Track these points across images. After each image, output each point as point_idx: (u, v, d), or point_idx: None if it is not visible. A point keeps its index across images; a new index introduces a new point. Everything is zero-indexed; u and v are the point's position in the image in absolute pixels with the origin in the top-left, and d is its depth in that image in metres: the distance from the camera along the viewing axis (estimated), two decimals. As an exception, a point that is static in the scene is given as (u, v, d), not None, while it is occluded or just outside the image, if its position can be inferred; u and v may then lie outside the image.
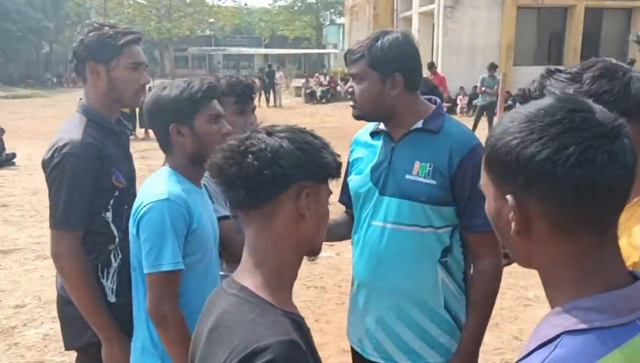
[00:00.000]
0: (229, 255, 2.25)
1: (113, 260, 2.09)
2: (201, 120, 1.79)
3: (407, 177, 1.88)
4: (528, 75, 19.07)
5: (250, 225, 1.11)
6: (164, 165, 1.88)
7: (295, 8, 49.95)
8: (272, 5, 53.42)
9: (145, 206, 1.71)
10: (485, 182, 0.88)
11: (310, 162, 1.09)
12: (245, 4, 53.44)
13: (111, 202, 2.06)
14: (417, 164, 1.88)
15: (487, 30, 19.62)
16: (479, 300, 1.91)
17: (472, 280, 1.95)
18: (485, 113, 13.67)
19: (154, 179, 1.82)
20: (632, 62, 16.49)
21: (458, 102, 18.68)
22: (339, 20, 50.35)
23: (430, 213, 1.87)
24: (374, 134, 2.02)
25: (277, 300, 1.07)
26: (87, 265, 2.01)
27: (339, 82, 27.17)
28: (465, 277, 1.98)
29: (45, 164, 2.01)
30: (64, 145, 1.96)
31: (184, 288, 1.76)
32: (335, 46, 48.17)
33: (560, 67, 1.39)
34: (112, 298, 2.09)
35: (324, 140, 1.15)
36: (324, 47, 49.67)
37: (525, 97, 17.02)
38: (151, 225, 1.69)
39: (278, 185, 1.07)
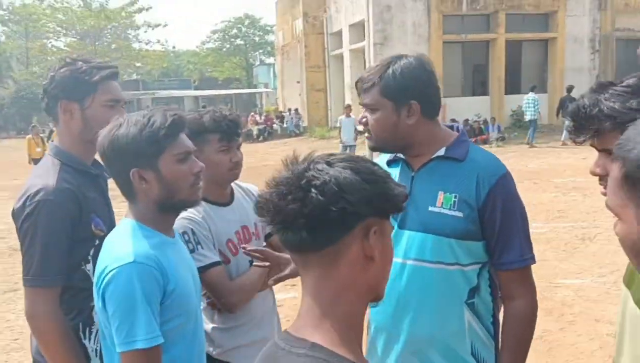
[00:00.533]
0: (223, 304, 2.11)
1: (95, 318, 1.86)
2: (167, 161, 1.53)
3: (431, 209, 1.73)
4: (457, 105, 20.01)
5: (309, 270, 0.97)
6: (126, 216, 1.62)
7: (224, 50, 49.98)
8: (200, 48, 53.22)
9: (109, 273, 1.46)
10: (621, 202, 0.80)
11: (378, 195, 0.95)
12: (174, 47, 52.78)
13: (91, 253, 1.86)
14: (441, 195, 1.73)
15: (416, 64, 20.26)
16: (513, 346, 1.75)
17: (503, 323, 1.79)
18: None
19: (116, 236, 1.57)
20: (570, 89, 17.42)
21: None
22: (268, 60, 50.80)
23: (456, 248, 1.71)
24: (391, 162, 1.90)
25: (356, 357, 0.94)
26: (67, 325, 1.80)
27: (274, 119, 27.26)
28: (494, 321, 1.83)
29: (15, 214, 1.81)
30: (37, 192, 1.78)
31: (169, 359, 1.53)
32: (266, 85, 48.46)
33: (612, 81, 1.34)
34: (95, 361, 1.88)
35: (386, 171, 1.02)
36: (255, 86, 49.81)
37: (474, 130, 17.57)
38: (118, 296, 1.44)
39: (345, 224, 0.93)
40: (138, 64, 45.00)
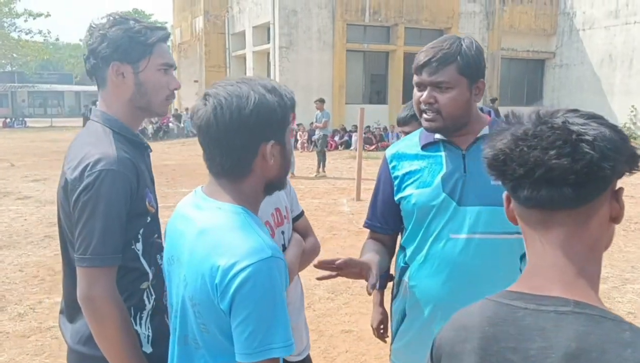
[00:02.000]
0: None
1: (147, 301, 1.70)
2: (287, 134, 1.37)
3: (493, 182, 1.75)
4: (358, 112, 20.49)
5: (554, 228, 0.93)
6: (214, 197, 1.34)
7: (110, 44, 47.57)
8: (84, 42, 50.17)
9: (243, 270, 1.17)
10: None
11: (632, 155, 0.92)
12: (57, 39, 49.19)
13: (141, 231, 1.68)
14: None
15: (320, 70, 20.65)
16: None
17: None
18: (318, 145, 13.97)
19: (226, 225, 1.26)
20: (493, 100, 18.57)
21: (298, 137, 19.21)
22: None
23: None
24: (427, 146, 1.88)
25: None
26: (126, 309, 1.61)
27: (171, 119, 26.37)
28: None
29: (70, 186, 1.60)
30: (97, 161, 1.58)
31: None
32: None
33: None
34: (147, 348, 1.69)
35: None
36: (144, 85, 47.86)
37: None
38: (258, 296, 1.18)
39: (607, 182, 0.90)
40: (15, 55, 41.58)
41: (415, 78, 1.79)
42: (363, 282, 1.72)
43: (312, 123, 13.52)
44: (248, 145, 1.28)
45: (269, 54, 21.62)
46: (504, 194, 1.03)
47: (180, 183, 11.59)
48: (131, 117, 1.77)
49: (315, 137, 14.02)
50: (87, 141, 1.69)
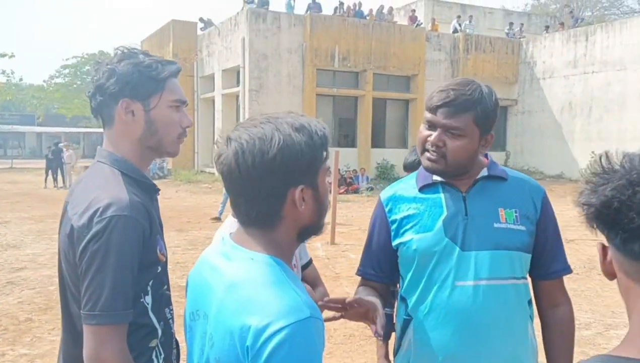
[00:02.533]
0: None
1: (155, 361, 1.56)
2: (323, 178, 1.23)
3: (496, 225, 1.71)
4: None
5: None
6: (244, 246, 1.20)
7: (74, 86, 47.09)
8: (48, 83, 49.54)
9: (278, 332, 1.03)
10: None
11: None
12: (20, 79, 48.15)
13: (150, 283, 1.53)
14: (501, 211, 1.73)
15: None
16: (567, 349, 1.79)
17: (550, 331, 1.83)
18: None
19: (259, 280, 1.12)
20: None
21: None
22: (125, 100, 48.58)
23: (523, 262, 1.74)
24: (425, 187, 1.80)
25: None
26: None
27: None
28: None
29: (78, 233, 1.45)
30: (107, 206, 1.44)
31: None
32: (122, 126, 46.21)
33: None
34: None
35: None
36: (108, 127, 47.29)
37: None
38: (297, 362, 1.04)
39: None
40: (-25, 94, 40.71)
41: (428, 116, 1.69)
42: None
43: None
44: (275, 191, 1.15)
45: (238, 96, 21.67)
46: (599, 245, 0.94)
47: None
48: (140, 158, 1.64)
49: None
50: (94, 184, 1.55)
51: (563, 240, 1.85)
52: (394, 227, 1.81)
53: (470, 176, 1.76)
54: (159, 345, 1.57)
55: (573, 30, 23.49)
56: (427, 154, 1.71)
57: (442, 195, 1.77)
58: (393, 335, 1.98)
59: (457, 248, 1.70)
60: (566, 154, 22.37)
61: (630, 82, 20.22)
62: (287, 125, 1.15)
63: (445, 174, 1.74)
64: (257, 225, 1.19)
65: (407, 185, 1.86)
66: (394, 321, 1.98)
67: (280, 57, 20.78)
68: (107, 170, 1.59)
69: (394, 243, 1.80)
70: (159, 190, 1.71)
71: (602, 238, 0.93)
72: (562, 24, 27.09)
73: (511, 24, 28.35)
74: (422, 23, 25.18)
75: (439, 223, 1.73)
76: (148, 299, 1.53)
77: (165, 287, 1.61)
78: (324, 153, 1.19)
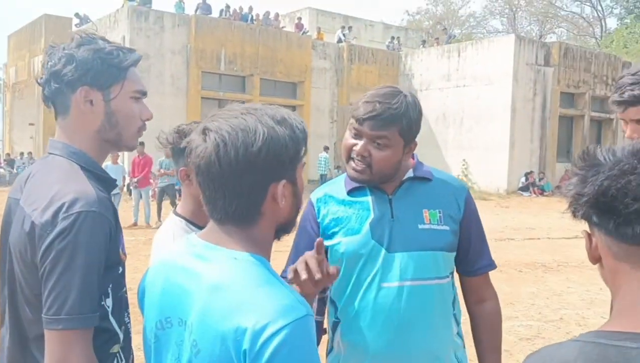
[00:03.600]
0: None
1: None
2: (300, 172, 1.20)
3: (421, 226, 1.75)
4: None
5: None
6: (225, 246, 1.13)
7: None
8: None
9: (277, 332, 0.98)
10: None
11: None
12: None
13: (110, 285, 1.42)
14: (425, 212, 1.76)
15: (173, 115, 19.94)
16: (496, 341, 1.87)
17: (478, 324, 1.88)
18: (165, 194, 12.94)
19: (248, 280, 1.06)
20: (326, 148, 19.46)
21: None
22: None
23: (446, 262, 1.77)
24: (354, 190, 1.81)
25: None
26: None
27: (1, 163, 23.87)
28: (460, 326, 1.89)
29: (41, 230, 1.32)
30: (74, 201, 1.33)
31: None
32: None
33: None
34: None
35: None
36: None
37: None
38: (297, 361, 1.00)
39: None
40: None
41: (355, 125, 1.69)
42: None
43: (158, 169, 12.56)
44: (256, 186, 1.09)
45: (118, 97, 20.66)
46: (584, 233, 1.00)
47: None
48: (98, 151, 1.52)
49: (162, 185, 13.00)
50: (53, 178, 1.41)
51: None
52: (322, 228, 1.80)
53: (396, 178, 1.78)
54: (120, 352, 1.47)
55: (447, 46, 25.07)
56: (353, 164, 1.72)
57: (369, 198, 1.79)
58: (324, 338, 1.95)
59: (383, 250, 1.72)
60: (440, 160, 23.73)
61: (497, 95, 21.93)
62: (269, 118, 1.10)
63: (371, 183, 1.76)
64: (234, 221, 1.12)
65: (337, 187, 1.86)
66: (325, 326, 1.96)
67: (163, 58, 20.11)
68: (65, 163, 1.46)
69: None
70: (117, 186, 1.61)
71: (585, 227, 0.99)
72: (437, 39, 28.83)
73: (392, 37, 29.71)
74: (308, 31, 25.61)
75: (366, 226, 1.75)
76: (109, 302, 1.42)
77: (124, 289, 1.50)
78: (304, 147, 1.15)
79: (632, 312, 0.93)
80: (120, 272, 1.47)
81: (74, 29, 23.96)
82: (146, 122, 1.60)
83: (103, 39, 1.53)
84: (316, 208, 1.84)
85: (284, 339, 0.97)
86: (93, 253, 1.32)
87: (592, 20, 44.37)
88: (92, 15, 24.27)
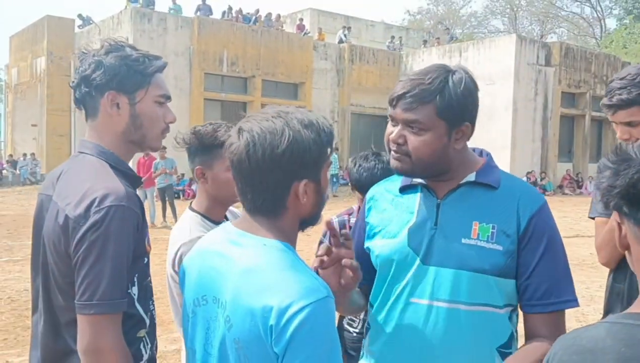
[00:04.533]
0: None
1: (143, 351, 1.57)
2: (325, 172, 1.30)
3: (465, 241, 1.49)
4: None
5: None
6: (253, 233, 1.25)
7: None
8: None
9: (301, 311, 1.09)
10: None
11: None
12: None
13: (136, 275, 1.55)
14: (475, 225, 1.49)
15: (177, 115, 20.09)
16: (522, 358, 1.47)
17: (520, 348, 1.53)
18: (166, 196, 13.07)
19: (275, 263, 1.18)
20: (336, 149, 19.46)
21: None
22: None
23: (494, 288, 1.48)
24: (405, 189, 1.63)
25: None
26: (132, 361, 1.48)
27: (4, 164, 23.98)
28: None
29: (74, 223, 1.44)
30: (105, 196, 1.45)
31: None
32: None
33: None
34: None
35: None
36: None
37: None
38: (318, 339, 1.11)
39: None
40: None
41: (390, 110, 1.55)
42: None
43: (154, 171, 12.61)
44: (280, 183, 1.21)
45: (121, 99, 20.77)
46: (614, 223, 1.08)
47: (25, 235, 10.46)
48: (124, 151, 1.65)
49: (161, 186, 12.87)
50: (85, 175, 1.53)
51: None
52: (367, 228, 1.69)
53: (453, 179, 1.55)
54: (146, 336, 1.58)
55: (448, 46, 25.17)
56: (392, 153, 1.55)
57: (417, 199, 1.60)
58: None
59: (418, 261, 1.52)
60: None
61: (498, 95, 22.01)
62: (297, 121, 1.21)
63: (417, 175, 1.56)
64: (263, 213, 1.25)
65: (393, 184, 1.69)
66: None
67: (166, 59, 19.57)
68: (95, 162, 1.58)
69: (365, 245, 1.67)
70: (142, 182, 1.69)
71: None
72: (438, 39, 28.92)
73: (392, 37, 29.79)
74: (309, 32, 25.71)
75: (405, 230, 1.56)
76: (135, 290, 1.54)
77: (149, 278, 1.63)
78: (329, 149, 1.26)
79: None
80: (145, 262, 1.60)
81: (76, 30, 24.08)
82: (170, 124, 1.72)
83: (131, 46, 1.66)
84: (367, 206, 1.72)
85: (306, 317, 1.09)
86: (122, 244, 1.44)
87: (592, 20, 44.47)
88: (95, 16, 24.37)
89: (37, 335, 1.61)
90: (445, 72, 1.49)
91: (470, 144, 1.64)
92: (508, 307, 1.51)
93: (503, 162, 21.86)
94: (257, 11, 24.59)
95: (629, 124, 1.98)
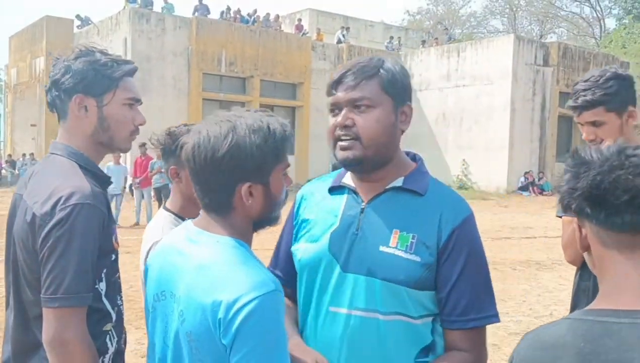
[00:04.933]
0: None
1: (109, 344, 1.64)
2: (276, 178, 1.31)
3: (382, 249, 1.42)
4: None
5: (638, 250, 1.05)
6: (208, 230, 1.31)
7: None
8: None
9: (248, 303, 1.14)
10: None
11: None
12: None
13: (104, 271, 1.62)
14: (396, 234, 1.43)
15: (175, 117, 20.13)
16: None
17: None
18: (162, 195, 12.78)
19: (226, 258, 1.23)
20: None
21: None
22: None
23: (407, 298, 1.41)
24: (334, 189, 1.56)
25: None
26: (97, 352, 1.53)
27: (3, 164, 24.01)
28: None
29: (41, 221, 1.51)
30: (70, 194, 1.52)
31: None
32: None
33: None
34: None
35: None
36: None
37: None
38: (262, 330, 1.14)
39: None
40: None
41: (330, 99, 1.48)
42: None
43: (150, 171, 12.63)
44: (223, 185, 1.27)
45: (119, 99, 20.81)
46: (575, 223, 1.11)
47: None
48: (94, 152, 1.72)
49: (157, 186, 12.67)
50: (53, 174, 1.60)
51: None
52: (295, 229, 1.62)
53: (383, 179, 1.49)
54: (112, 330, 1.65)
55: (446, 46, 25.20)
56: (340, 143, 1.44)
57: (343, 202, 1.53)
58: None
59: (338, 268, 1.46)
60: (440, 161, 23.84)
61: (496, 95, 22.06)
62: (245, 126, 1.25)
63: (366, 165, 1.45)
64: (214, 211, 1.31)
65: (325, 183, 1.62)
66: None
67: (165, 60, 20.28)
68: (65, 162, 1.65)
69: (292, 248, 1.60)
70: (111, 182, 1.80)
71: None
72: (436, 39, 28.94)
73: (391, 37, 29.82)
74: (308, 32, 25.74)
75: (327, 235, 1.49)
76: (102, 285, 1.61)
77: (117, 274, 1.70)
78: (279, 153, 1.29)
79: (616, 292, 1.05)
80: (113, 259, 1.66)
81: (75, 30, 24.12)
82: (139, 126, 1.78)
83: (102, 51, 1.72)
84: (297, 206, 1.65)
85: (252, 309, 1.13)
86: (87, 241, 1.51)
87: (591, 20, 44.48)
88: (94, 17, 24.40)
89: (8, 329, 1.67)
90: (381, 60, 1.47)
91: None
92: (426, 317, 1.45)
93: (501, 162, 21.89)
94: (255, 11, 24.67)
95: (594, 124, 2.02)
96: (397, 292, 1.40)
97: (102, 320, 1.61)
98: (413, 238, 1.42)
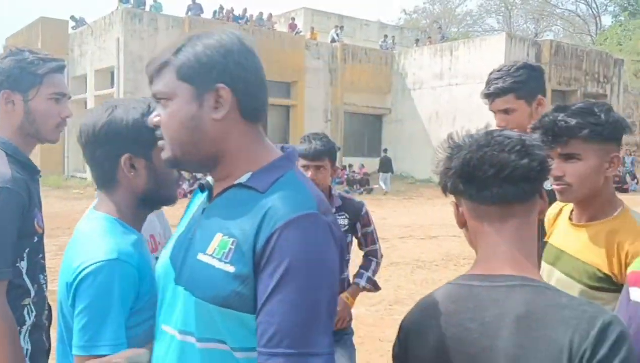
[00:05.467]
0: None
1: (27, 317, 1.81)
2: (159, 153, 1.26)
3: (200, 257, 1.16)
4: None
5: (509, 220, 1.14)
6: (96, 209, 1.43)
7: None
8: None
9: (86, 268, 1.27)
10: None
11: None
12: None
13: (27, 251, 1.81)
14: (217, 238, 1.14)
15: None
16: None
17: None
18: None
19: (91, 231, 1.36)
20: (385, 150, 19.54)
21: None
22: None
23: (218, 321, 1.11)
24: (203, 187, 1.30)
25: None
26: (15, 323, 1.69)
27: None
28: None
29: None
30: None
31: None
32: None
33: (566, 105, 1.78)
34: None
35: None
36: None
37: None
38: (94, 292, 1.26)
39: (544, 178, 1.15)
40: None
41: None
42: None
43: None
44: (106, 156, 1.39)
45: (112, 98, 20.88)
46: (452, 204, 1.21)
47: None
48: (22, 142, 1.89)
49: None
50: None
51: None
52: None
53: (230, 176, 1.21)
54: (31, 304, 1.81)
55: (439, 45, 25.27)
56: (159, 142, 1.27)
57: (196, 201, 1.34)
58: None
59: (173, 279, 1.21)
60: (434, 159, 23.89)
61: (488, 93, 22.08)
62: (126, 105, 1.41)
63: (184, 165, 1.27)
64: (101, 187, 1.44)
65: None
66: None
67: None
68: None
69: None
70: (39, 171, 1.93)
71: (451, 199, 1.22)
72: (429, 38, 29.01)
73: (385, 36, 29.90)
74: (301, 31, 25.81)
75: (172, 241, 1.29)
76: (23, 264, 1.79)
77: (41, 255, 1.86)
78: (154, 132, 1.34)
79: (486, 260, 1.17)
80: (35, 241, 1.84)
81: (70, 31, 24.22)
82: (67, 119, 1.93)
83: (31, 50, 1.89)
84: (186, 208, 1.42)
85: (89, 272, 1.27)
86: (5, 221, 1.69)
87: (587, 17, 44.52)
88: (88, 17, 24.51)
89: None
90: (193, 37, 1.22)
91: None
92: (250, 352, 1.10)
93: (493, 160, 21.93)
94: (245, 10, 24.70)
95: (505, 111, 2.11)
96: (208, 311, 1.11)
97: (22, 296, 1.78)
98: (232, 243, 1.12)
